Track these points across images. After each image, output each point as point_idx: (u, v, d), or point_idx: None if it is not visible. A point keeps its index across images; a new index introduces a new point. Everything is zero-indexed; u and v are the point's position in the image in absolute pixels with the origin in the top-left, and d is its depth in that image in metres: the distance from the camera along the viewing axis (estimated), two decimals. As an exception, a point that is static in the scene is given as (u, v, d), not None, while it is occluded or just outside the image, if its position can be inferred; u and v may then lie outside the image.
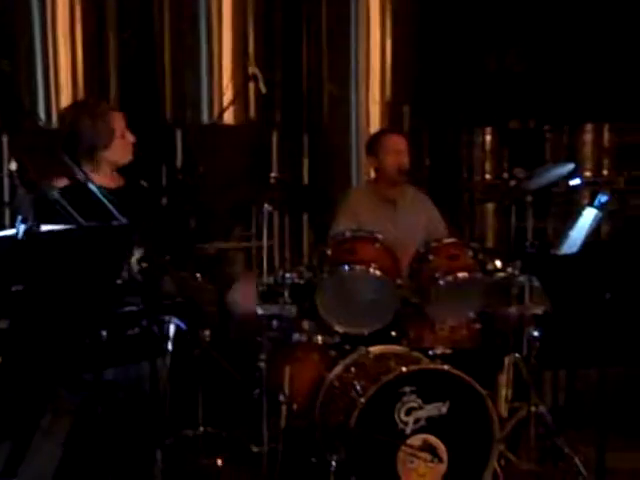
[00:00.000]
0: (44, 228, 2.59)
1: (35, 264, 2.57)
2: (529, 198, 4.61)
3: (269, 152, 6.99)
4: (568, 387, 5.17)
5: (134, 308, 2.86)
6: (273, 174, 4.40)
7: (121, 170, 3.94)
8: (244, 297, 4.15)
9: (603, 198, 4.65)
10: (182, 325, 3.15)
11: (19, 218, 2.55)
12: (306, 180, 7.31)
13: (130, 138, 3.86)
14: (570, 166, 4.77)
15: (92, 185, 2.95)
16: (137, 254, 3.00)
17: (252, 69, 5.26)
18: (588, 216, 4.62)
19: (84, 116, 3.80)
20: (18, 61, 6.22)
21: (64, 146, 3.79)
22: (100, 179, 3.78)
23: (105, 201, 2.93)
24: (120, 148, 3.83)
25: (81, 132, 3.75)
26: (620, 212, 7.35)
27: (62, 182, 3.60)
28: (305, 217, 7.29)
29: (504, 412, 4.51)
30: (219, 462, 4.50)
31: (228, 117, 6.63)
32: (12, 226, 2.61)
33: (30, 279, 2.54)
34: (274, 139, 6.99)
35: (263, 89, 5.17)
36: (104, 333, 2.82)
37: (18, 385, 2.81)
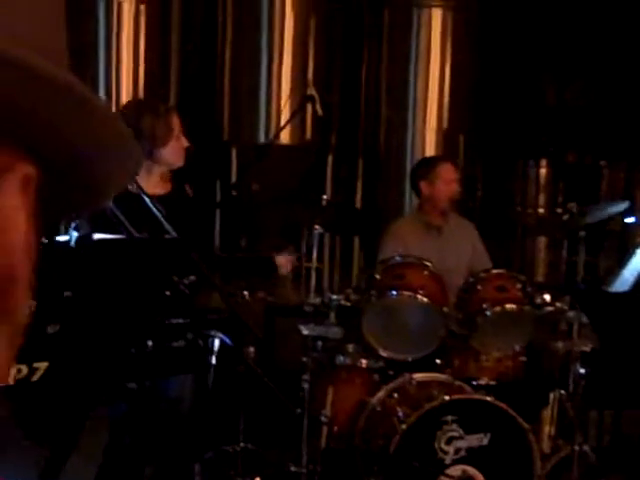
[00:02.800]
0: (96, 237, 2.62)
1: (86, 271, 2.60)
2: (582, 233, 4.58)
3: (324, 174, 7.02)
4: (614, 428, 5.10)
5: (180, 320, 2.88)
6: (325, 196, 4.40)
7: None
8: (285, 262, 4.21)
9: (658, 237, 4.61)
10: (227, 340, 3.16)
11: (72, 225, 2.58)
12: (359, 203, 7.33)
13: (184, 142, 3.90)
14: (624, 204, 4.73)
15: (145, 196, 2.97)
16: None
17: (310, 90, 5.28)
18: (642, 255, 4.58)
19: (147, 113, 3.85)
20: (82, 71, 6.31)
21: None
22: (150, 185, 3.83)
23: (158, 214, 2.95)
24: (175, 149, 3.86)
25: (142, 129, 3.80)
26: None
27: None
28: (356, 240, 7.30)
29: (546, 449, 4.46)
30: (256, 480, 4.51)
31: (284, 137, 6.66)
32: (66, 232, 2.65)
33: (80, 286, 2.57)
34: (329, 161, 7.02)
35: (319, 111, 5.19)
36: (150, 343, 2.84)
37: (62, 391, 2.84)
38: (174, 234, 2.92)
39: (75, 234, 2.53)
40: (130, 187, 3.02)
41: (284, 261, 4.19)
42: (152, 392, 3.01)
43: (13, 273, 0.59)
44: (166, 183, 3.96)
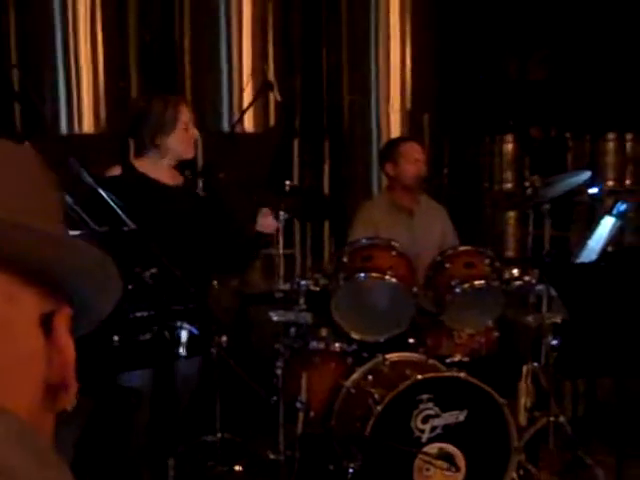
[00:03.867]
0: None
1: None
2: (547, 206, 4.60)
3: (290, 159, 6.99)
4: (588, 396, 5.13)
5: (145, 313, 2.86)
6: (288, 182, 4.38)
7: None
8: (266, 221, 4.19)
9: (622, 207, 4.62)
10: (194, 330, 3.15)
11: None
12: (327, 187, 7.31)
13: (194, 133, 3.92)
14: (587, 174, 4.74)
15: (102, 191, 2.95)
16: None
17: (268, 76, 5.26)
18: (606, 225, 4.59)
19: (157, 99, 3.91)
20: (40, 66, 6.25)
21: (130, 129, 3.89)
22: (159, 173, 3.87)
23: (115, 207, 2.93)
24: (183, 139, 3.87)
25: (150, 114, 3.84)
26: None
27: (116, 171, 3.76)
28: (327, 226, 7.28)
29: (523, 421, 4.49)
30: (236, 469, 4.51)
31: (248, 125, 6.63)
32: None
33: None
34: (294, 146, 7.00)
35: (278, 97, 5.17)
36: (116, 338, 2.82)
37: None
38: (133, 226, 2.89)
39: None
40: (87, 181, 2.99)
41: (266, 221, 4.18)
42: (121, 387, 3.00)
43: (67, 383, 0.87)
44: (176, 175, 3.97)
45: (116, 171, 3.79)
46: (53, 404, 0.87)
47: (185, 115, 3.89)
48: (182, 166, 4.02)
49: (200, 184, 6.31)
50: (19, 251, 0.79)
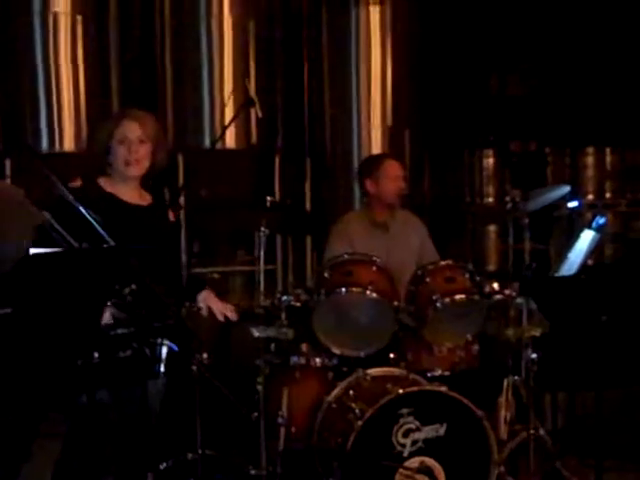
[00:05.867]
0: (32, 251, 2.60)
1: (24, 287, 2.58)
2: (526, 220, 4.63)
3: (272, 176, 7.01)
4: (568, 410, 5.16)
5: (125, 330, 2.87)
6: (269, 197, 4.39)
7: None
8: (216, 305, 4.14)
9: (601, 220, 4.66)
10: (174, 347, 3.16)
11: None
12: (308, 203, 7.34)
13: (136, 150, 3.77)
14: (566, 188, 4.78)
15: (80, 207, 2.95)
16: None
17: (250, 94, 5.29)
18: (586, 238, 4.63)
19: (109, 117, 3.84)
20: (20, 84, 6.26)
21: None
22: (129, 195, 3.82)
23: (93, 222, 2.94)
24: (117, 155, 3.77)
25: (97, 131, 3.81)
26: (622, 235, 7.36)
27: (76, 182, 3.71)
28: (309, 241, 7.31)
29: (504, 434, 4.50)
30: (217, 485, 4.51)
31: (230, 142, 6.66)
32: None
33: (18, 302, 2.55)
34: (276, 163, 7.02)
35: (260, 113, 5.19)
36: (96, 355, 2.82)
37: (9, 408, 2.82)
38: (112, 242, 2.90)
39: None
40: (65, 196, 2.99)
41: (205, 303, 4.11)
42: (101, 404, 3.00)
43: None
44: (143, 195, 3.92)
45: (77, 183, 3.72)
46: None
47: (125, 130, 3.79)
48: (160, 183, 3.99)
49: (182, 201, 6.35)
50: None
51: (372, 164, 5.17)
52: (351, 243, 4.87)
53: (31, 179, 3.21)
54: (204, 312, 4.11)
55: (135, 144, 3.77)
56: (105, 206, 3.55)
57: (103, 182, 3.82)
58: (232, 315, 4.17)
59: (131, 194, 3.84)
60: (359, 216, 5.18)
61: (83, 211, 2.93)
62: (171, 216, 4.06)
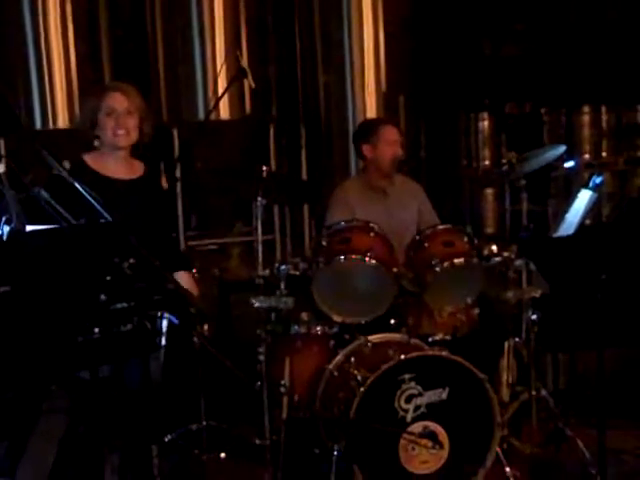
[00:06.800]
0: (29, 228, 2.60)
1: (22, 265, 2.58)
2: (523, 182, 4.62)
3: (267, 146, 7.00)
4: (569, 370, 5.18)
5: (125, 304, 2.87)
6: (265, 167, 4.37)
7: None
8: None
9: (597, 179, 4.66)
10: (174, 319, 3.16)
11: (3, 219, 2.56)
12: (305, 172, 7.32)
13: (124, 121, 3.77)
14: (562, 148, 4.77)
15: (76, 183, 2.95)
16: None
17: (242, 64, 5.26)
18: (583, 198, 4.63)
19: (93, 90, 3.84)
20: (12, 63, 6.24)
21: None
22: (115, 169, 3.80)
23: (90, 199, 2.93)
24: (104, 126, 3.78)
25: (83, 104, 3.81)
26: (620, 193, 7.35)
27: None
28: (306, 209, 7.30)
29: (506, 397, 4.53)
30: (222, 456, 4.53)
31: (224, 113, 6.64)
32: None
33: (17, 280, 2.55)
34: (271, 133, 7.01)
35: (252, 84, 5.17)
36: (96, 330, 2.83)
37: (13, 385, 2.83)
38: (109, 218, 2.90)
39: (7, 228, 2.52)
40: (61, 173, 2.99)
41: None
42: (104, 379, 3.01)
43: None
44: (133, 167, 3.90)
45: (65, 165, 3.70)
46: None
47: (112, 102, 3.78)
48: (157, 156, 3.98)
49: (178, 173, 6.35)
50: None
51: (369, 129, 5.13)
52: (351, 210, 4.85)
53: (27, 158, 3.21)
54: None
55: (123, 116, 3.79)
56: (88, 184, 3.53)
57: (88, 158, 3.81)
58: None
59: (118, 168, 3.85)
60: (357, 182, 5.16)
61: (80, 188, 2.92)
62: (164, 183, 4.06)
